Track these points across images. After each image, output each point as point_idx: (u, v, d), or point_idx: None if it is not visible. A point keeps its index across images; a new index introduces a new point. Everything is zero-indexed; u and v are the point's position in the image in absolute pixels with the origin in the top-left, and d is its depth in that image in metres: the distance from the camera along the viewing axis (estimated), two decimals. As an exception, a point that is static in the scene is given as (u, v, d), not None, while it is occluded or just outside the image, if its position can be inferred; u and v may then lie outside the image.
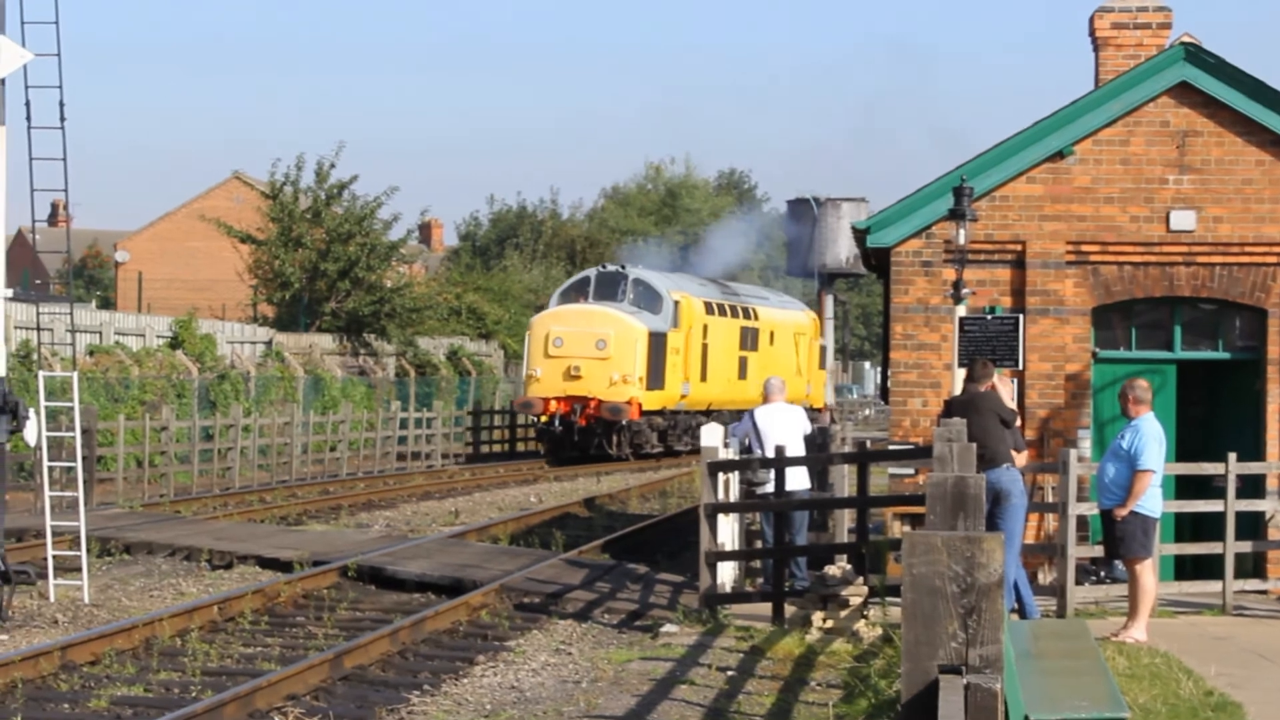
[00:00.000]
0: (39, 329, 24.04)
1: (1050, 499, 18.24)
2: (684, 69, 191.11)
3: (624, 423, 43.49)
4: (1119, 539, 15.18)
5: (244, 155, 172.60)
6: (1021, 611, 15.37)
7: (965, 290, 18.40)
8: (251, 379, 44.54)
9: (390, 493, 34.78)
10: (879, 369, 44.39)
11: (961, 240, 18.21)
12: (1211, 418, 19.52)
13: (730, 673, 14.30)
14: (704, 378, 47.50)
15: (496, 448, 50.30)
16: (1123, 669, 13.20)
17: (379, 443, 41.91)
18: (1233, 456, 17.02)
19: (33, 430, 18.04)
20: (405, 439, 43.20)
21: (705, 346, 47.47)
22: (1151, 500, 15.19)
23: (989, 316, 18.71)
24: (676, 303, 45.58)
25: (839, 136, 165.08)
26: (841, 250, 52.45)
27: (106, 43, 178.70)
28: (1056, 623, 15.09)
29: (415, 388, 51.62)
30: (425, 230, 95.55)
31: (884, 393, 20.88)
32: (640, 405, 43.70)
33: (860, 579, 16.33)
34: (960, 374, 17.66)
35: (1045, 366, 18.88)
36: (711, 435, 17.83)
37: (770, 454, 17.94)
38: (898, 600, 10.93)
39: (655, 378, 44.27)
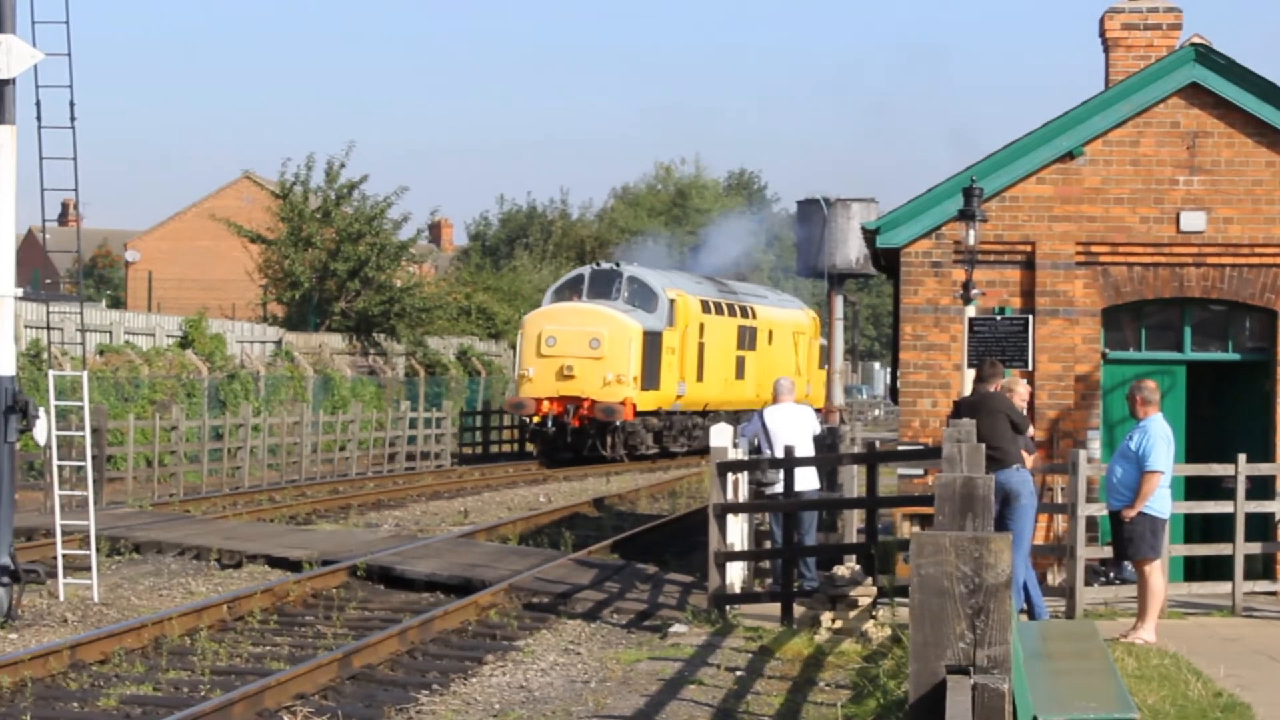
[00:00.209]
0: (49, 328, 24.12)
1: (1059, 500, 18.22)
2: (693, 70, 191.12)
3: (618, 424, 42.82)
4: (1127, 540, 15.15)
5: (254, 155, 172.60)
6: (1031, 612, 15.34)
7: (975, 291, 18.37)
8: (261, 378, 44.60)
9: (399, 492, 34.81)
10: (889, 369, 44.21)
11: (971, 241, 18.18)
12: (1221, 419, 19.49)
13: (739, 673, 14.30)
14: (700, 378, 46.88)
15: (505, 448, 50.31)
16: (1132, 670, 13.19)
17: (388, 442, 41.94)
18: (1242, 457, 16.99)
19: (43, 429, 18.07)
20: (415, 439, 43.23)
21: (702, 346, 46.86)
22: (1160, 501, 15.15)
23: (998, 317, 18.68)
24: (672, 301, 44.96)
25: (850, 137, 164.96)
26: (851, 251, 52.06)
27: (117, 42, 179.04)
28: (1065, 623, 15.08)
29: (425, 388, 51.66)
30: (435, 230, 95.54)
31: (893, 393, 20.86)
32: (635, 406, 43.05)
33: (869, 579, 16.32)
34: (970, 375, 17.65)
35: (1055, 367, 18.85)
36: (721, 435, 17.84)
37: (779, 454, 17.94)
38: (907, 601, 10.93)
39: (650, 378, 43.63)
